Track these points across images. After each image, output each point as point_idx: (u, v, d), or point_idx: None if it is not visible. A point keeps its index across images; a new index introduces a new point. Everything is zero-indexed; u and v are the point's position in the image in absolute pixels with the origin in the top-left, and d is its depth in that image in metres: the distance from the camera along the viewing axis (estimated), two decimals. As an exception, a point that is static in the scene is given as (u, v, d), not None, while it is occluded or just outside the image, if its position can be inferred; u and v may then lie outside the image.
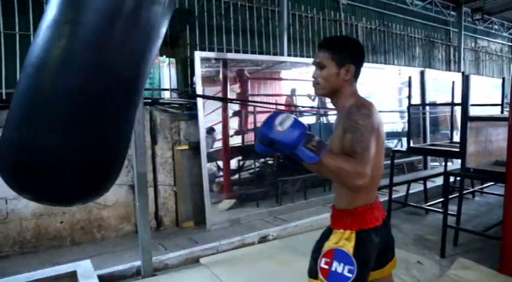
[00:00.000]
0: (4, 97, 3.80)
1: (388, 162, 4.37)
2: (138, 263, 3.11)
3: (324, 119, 5.95)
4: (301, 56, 5.86)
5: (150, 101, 4.26)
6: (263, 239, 3.80)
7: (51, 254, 3.67)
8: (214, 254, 3.49)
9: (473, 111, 3.80)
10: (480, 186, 5.35)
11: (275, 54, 5.58)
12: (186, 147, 4.46)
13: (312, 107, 5.75)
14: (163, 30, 1.58)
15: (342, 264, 1.40)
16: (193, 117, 4.48)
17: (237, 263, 3.33)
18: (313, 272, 1.47)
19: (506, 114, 3.28)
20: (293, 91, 5.60)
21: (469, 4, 8.37)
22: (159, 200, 4.35)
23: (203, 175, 4.32)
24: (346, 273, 1.39)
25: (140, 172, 2.98)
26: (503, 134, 3.10)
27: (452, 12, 8.64)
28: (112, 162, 1.58)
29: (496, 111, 5.08)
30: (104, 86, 1.42)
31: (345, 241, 1.44)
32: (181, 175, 4.44)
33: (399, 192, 4.94)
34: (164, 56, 4.65)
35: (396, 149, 5.67)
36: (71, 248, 3.85)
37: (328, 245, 1.47)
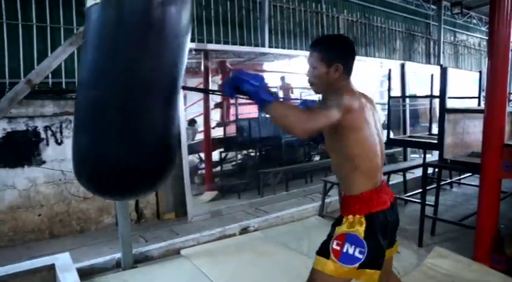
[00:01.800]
0: (7, 88, 3.68)
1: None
2: (118, 255, 3.08)
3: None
4: (283, 47, 5.84)
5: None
6: (244, 231, 3.81)
7: (29, 247, 3.61)
8: (195, 245, 3.48)
9: (451, 104, 3.86)
10: (458, 177, 5.47)
11: (256, 45, 5.55)
12: (167, 139, 4.42)
13: (296, 99, 5.76)
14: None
15: (353, 246, 1.49)
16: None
17: (218, 254, 3.33)
18: (325, 252, 1.56)
19: (482, 106, 3.34)
20: (283, 78, 5.61)
21: (448, -2, 8.49)
22: (140, 192, 4.31)
23: (184, 167, 4.30)
24: (357, 254, 1.49)
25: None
26: (480, 126, 3.17)
27: (432, 6, 8.74)
28: (166, 155, 1.86)
29: (473, 104, 5.18)
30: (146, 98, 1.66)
31: (356, 226, 1.53)
32: (162, 167, 4.40)
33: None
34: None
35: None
36: (50, 241, 3.79)
37: (341, 229, 1.56)
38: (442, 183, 4.46)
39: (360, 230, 1.51)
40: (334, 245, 1.53)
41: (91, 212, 4.05)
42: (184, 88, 4.39)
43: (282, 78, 5.69)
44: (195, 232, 3.68)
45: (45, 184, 3.80)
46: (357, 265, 1.49)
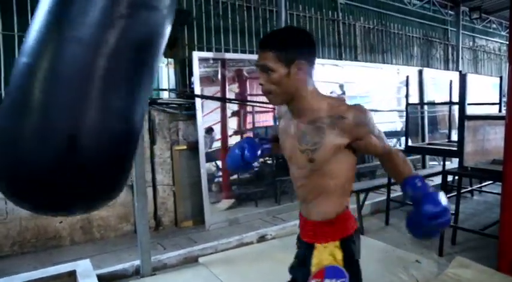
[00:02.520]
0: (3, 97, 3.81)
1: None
2: (137, 262, 3.12)
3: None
4: (300, 55, 5.86)
5: (148, 101, 4.27)
6: (262, 239, 3.81)
7: (50, 253, 3.68)
8: (212, 253, 3.50)
9: (471, 110, 3.81)
10: (478, 185, 5.36)
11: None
12: (185, 147, 4.47)
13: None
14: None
15: (333, 280, 1.32)
16: (191, 117, 4.49)
17: (236, 262, 3.34)
18: None
19: (504, 113, 3.29)
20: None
21: (467, 3, 8.36)
22: (158, 199, 4.36)
23: (202, 175, 4.34)
24: None
25: (139, 172, 2.99)
26: (501, 132, 3.11)
27: (450, 12, 8.64)
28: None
29: (494, 110, 5.09)
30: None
31: (331, 255, 1.35)
32: (180, 175, 4.45)
33: (397, 191, 4.94)
34: (163, 56, 4.66)
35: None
36: (71, 247, 3.86)
37: (316, 263, 1.36)
38: (462, 191, 4.39)
39: (338, 258, 1.34)
40: None
41: (111, 219, 4.12)
42: (203, 97, 4.44)
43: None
44: (212, 240, 3.69)
45: (66, 192, 3.88)
46: None
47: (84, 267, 2.79)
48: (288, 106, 1.37)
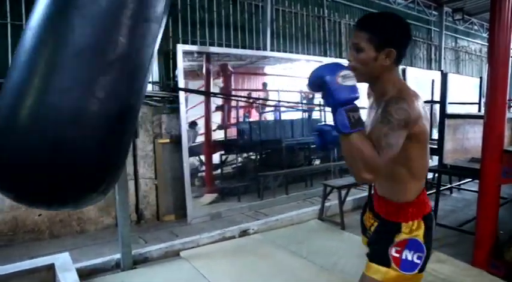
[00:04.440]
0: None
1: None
2: (117, 256, 3.09)
3: (306, 115, 5.99)
4: (284, 51, 5.86)
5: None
6: (244, 233, 3.82)
7: (28, 247, 3.61)
8: (194, 247, 3.49)
9: (452, 109, 3.89)
10: (458, 183, 5.47)
11: (258, 49, 5.57)
12: (168, 140, 4.44)
13: (297, 103, 5.78)
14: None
15: (411, 252, 1.43)
16: (175, 110, 4.45)
17: (217, 256, 3.34)
18: (385, 261, 1.45)
19: (483, 112, 3.37)
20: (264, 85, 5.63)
21: (450, 4, 8.49)
22: (140, 193, 4.32)
23: (184, 169, 4.31)
24: (415, 260, 1.43)
25: (120, 165, 2.95)
26: (480, 132, 3.18)
27: (434, 12, 8.76)
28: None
29: (474, 110, 5.19)
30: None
31: (416, 231, 1.46)
32: (163, 169, 4.41)
33: (379, 187, 5.01)
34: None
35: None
36: (50, 241, 3.79)
37: (400, 236, 1.47)
38: (441, 189, 4.47)
39: (420, 234, 1.46)
40: (393, 252, 1.45)
41: (91, 212, 4.06)
42: (186, 90, 4.40)
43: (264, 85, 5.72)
44: (194, 234, 3.69)
45: (45, 184, 3.80)
46: (416, 271, 1.44)
47: (63, 261, 2.73)
48: (370, 87, 1.47)
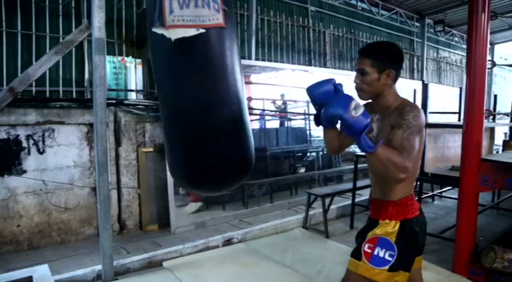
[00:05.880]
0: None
1: (364, 165, 4.49)
2: (98, 267, 3.04)
3: (289, 123, 6.03)
4: (269, 60, 5.91)
5: (114, 101, 4.19)
6: (227, 242, 3.80)
7: (6, 259, 3.52)
8: (177, 257, 3.46)
9: (433, 119, 3.96)
10: (439, 190, 5.55)
11: (243, 58, 5.60)
12: (151, 149, 4.41)
13: (281, 111, 5.82)
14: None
15: (383, 250, 1.59)
16: (158, 119, 4.42)
17: (201, 266, 3.31)
18: (356, 254, 1.65)
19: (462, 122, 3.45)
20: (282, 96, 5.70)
21: (431, 16, 8.69)
22: (123, 202, 4.27)
23: (168, 177, 4.28)
24: (387, 257, 1.58)
25: (102, 174, 2.92)
26: (460, 140, 3.25)
27: (416, 23, 8.95)
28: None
29: (455, 119, 5.30)
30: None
31: (389, 231, 1.61)
32: (146, 178, 4.37)
33: (362, 196, 5.06)
34: (131, 57, 4.59)
35: (360, 153, 5.80)
36: (29, 252, 3.71)
37: (373, 233, 1.64)
38: (423, 196, 4.53)
39: (393, 236, 1.60)
40: (366, 248, 1.62)
41: (72, 223, 3.99)
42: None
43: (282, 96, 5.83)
44: (178, 244, 3.65)
45: (25, 194, 3.74)
46: (387, 267, 1.56)
47: (41, 273, 2.67)
48: (374, 101, 1.72)
